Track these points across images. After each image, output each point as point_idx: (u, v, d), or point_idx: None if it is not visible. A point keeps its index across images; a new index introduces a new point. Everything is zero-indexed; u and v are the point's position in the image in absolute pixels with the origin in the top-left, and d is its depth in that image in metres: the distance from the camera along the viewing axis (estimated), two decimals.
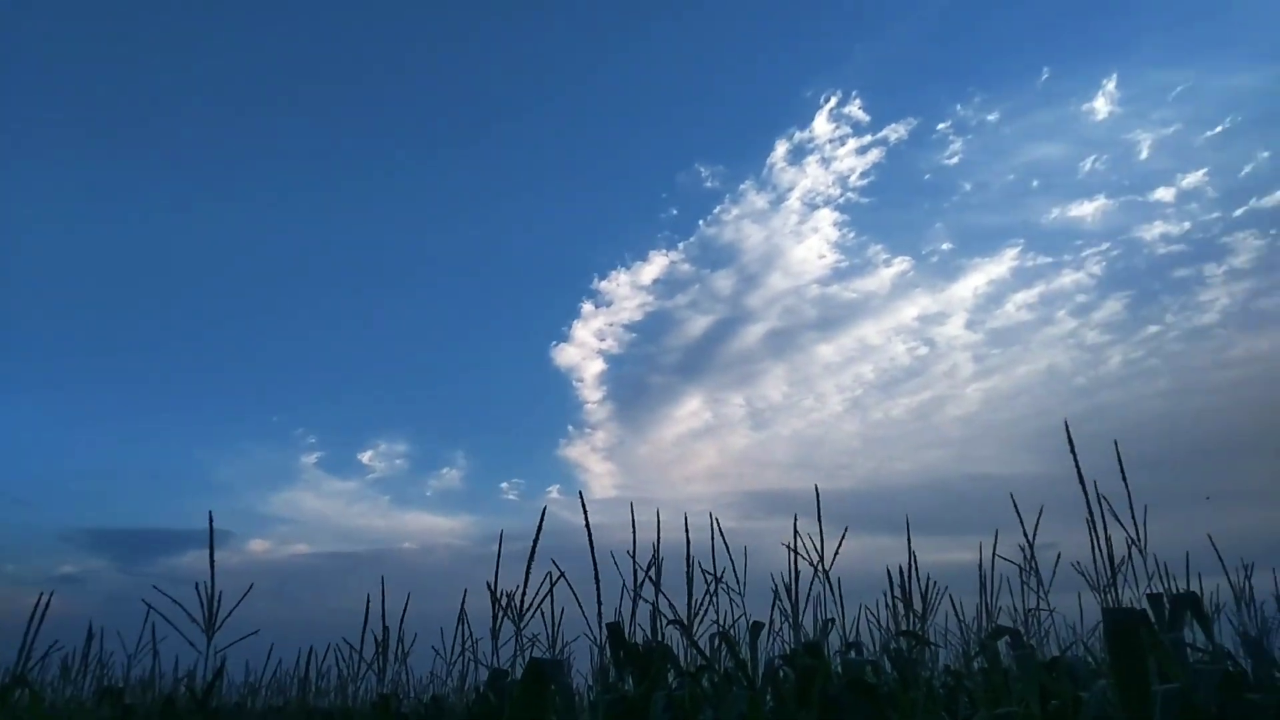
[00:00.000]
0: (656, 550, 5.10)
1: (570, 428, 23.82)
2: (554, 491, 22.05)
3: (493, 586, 4.86)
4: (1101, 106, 20.49)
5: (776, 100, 24.47)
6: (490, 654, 5.11)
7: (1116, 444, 4.42)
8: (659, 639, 5.03)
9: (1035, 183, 21.82)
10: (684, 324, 23.87)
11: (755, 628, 5.36)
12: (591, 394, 23.63)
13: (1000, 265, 21.65)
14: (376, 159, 25.17)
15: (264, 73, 23.74)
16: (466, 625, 5.98)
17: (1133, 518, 4.45)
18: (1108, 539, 4.31)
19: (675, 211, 24.07)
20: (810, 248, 22.66)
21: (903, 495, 20.28)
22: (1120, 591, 4.44)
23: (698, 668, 5.10)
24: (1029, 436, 19.94)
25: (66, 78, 22.33)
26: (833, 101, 21.96)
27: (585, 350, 23.56)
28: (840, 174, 21.90)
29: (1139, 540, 4.47)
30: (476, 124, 25.11)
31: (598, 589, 4.74)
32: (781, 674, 5.17)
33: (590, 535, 4.68)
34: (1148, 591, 4.60)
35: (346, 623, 6.55)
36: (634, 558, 5.03)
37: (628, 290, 23.43)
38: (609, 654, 4.96)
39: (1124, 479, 4.38)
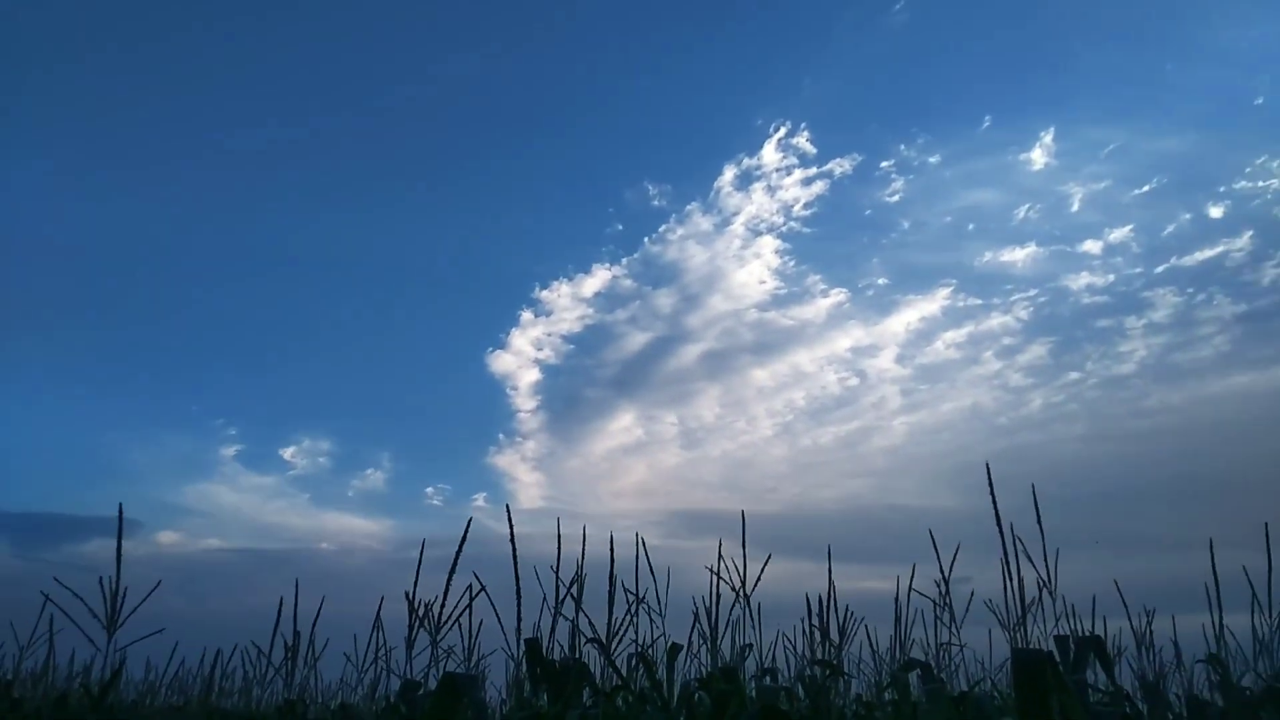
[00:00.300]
0: (580, 567, 5.09)
1: (501, 436, 23.61)
2: (480, 499, 21.81)
3: (411, 596, 4.78)
4: (1038, 157, 21.22)
5: (728, 126, 24.78)
6: (404, 664, 5.03)
7: (1034, 488, 4.56)
8: (577, 657, 5.00)
9: (971, 226, 22.46)
10: (622, 339, 23.89)
11: (673, 649, 5.37)
12: (525, 403, 23.47)
13: (932, 303, 22.19)
14: (319, 151, 24.73)
15: (209, 62, 23.17)
16: (381, 633, 5.87)
17: (1045, 559, 4.58)
18: (1020, 580, 4.43)
19: (621, 227, 24.13)
20: (751, 273, 22.93)
21: (826, 522, 20.60)
22: (1029, 630, 4.56)
23: (614, 688, 5.09)
24: (950, 471, 20.44)
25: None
26: (782, 131, 22.31)
27: (521, 359, 23.41)
28: (785, 203, 22.23)
29: (1049, 582, 4.60)
30: (426, 123, 24.86)
31: (518, 605, 4.70)
32: (697, 698, 5.19)
33: (515, 551, 4.64)
34: (1055, 633, 4.73)
35: (256, 623, 6.37)
36: (557, 573, 5.01)
37: (568, 301, 23.37)
38: (525, 669, 4.91)
39: (1039, 522, 4.51)
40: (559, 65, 24.49)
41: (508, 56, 24.20)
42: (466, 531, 4.57)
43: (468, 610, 4.89)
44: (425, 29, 23.83)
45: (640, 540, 5.23)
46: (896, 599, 5.65)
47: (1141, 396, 20.30)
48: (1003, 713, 4.73)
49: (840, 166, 22.12)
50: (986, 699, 5.19)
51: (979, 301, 21.86)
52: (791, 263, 22.71)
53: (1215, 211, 19.76)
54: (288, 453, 22.89)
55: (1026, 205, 21.34)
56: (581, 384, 24.44)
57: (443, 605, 4.79)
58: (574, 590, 5.02)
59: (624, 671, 5.23)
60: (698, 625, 5.53)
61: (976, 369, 21.87)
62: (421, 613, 4.87)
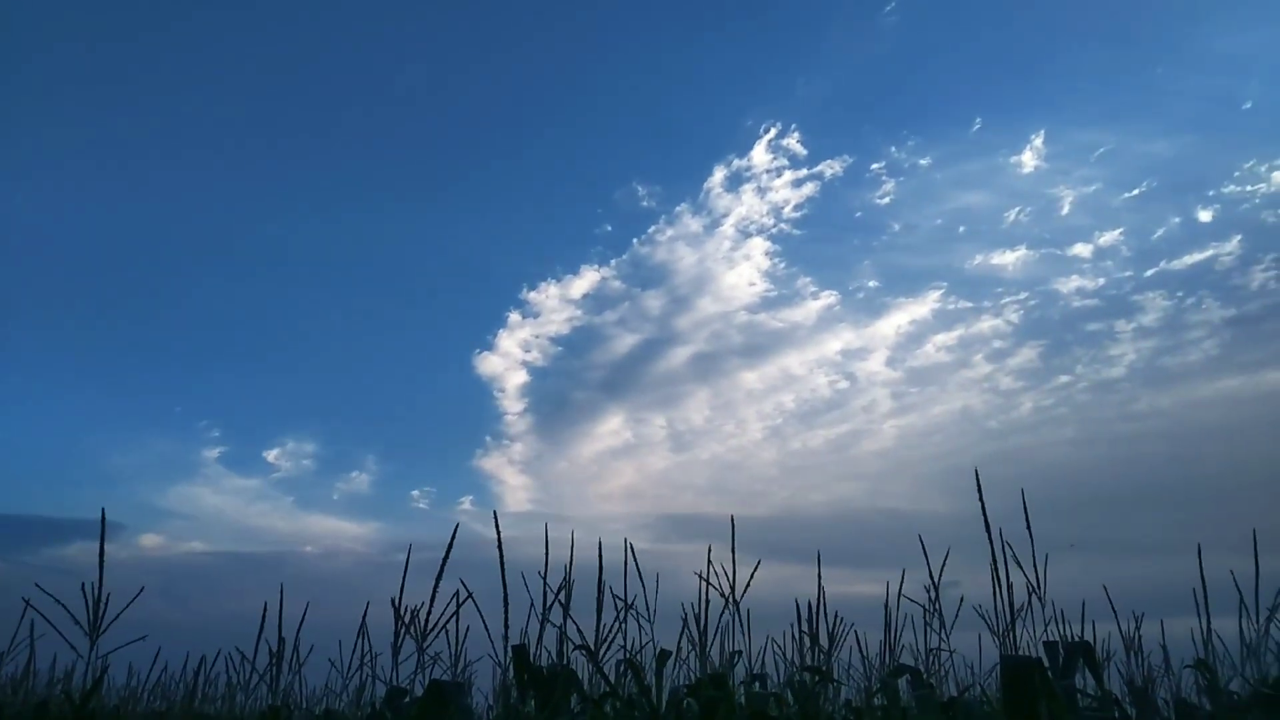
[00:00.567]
0: (568, 574, 5.05)
1: (488, 438, 23.50)
2: (466, 502, 21.72)
3: (397, 603, 4.73)
4: (1028, 160, 21.29)
5: (718, 127, 24.74)
6: (390, 670, 4.98)
7: (1023, 494, 4.55)
8: (565, 663, 4.97)
9: (961, 228, 22.51)
10: (611, 341, 23.83)
11: (662, 656, 5.34)
12: (512, 405, 23.37)
13: (923, 306, 22.23)
14: (305, 154, 24.59)
15: (194, 64, 23.03)
16: (367, 639, 5.81)
17: (1034, 564, 4.58)
18: (1009, 586, 4.42)
19: (610, 228, 24.07)
20: (741, 275, 22.91)
21: (816, 525, 20.60)
22: (1019, 635, 4.55)
23: (602, 694, 5.05)
24: (940, 475, 20.45)
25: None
26: (772, 133, 22.30)
27: (509, 360, 23.31)
28: (775, 204, 22.22)
29: (1039, 588, 4.59)
30: (413, 125, 24.78)
31: (506, 613, 4.66)
32: (685, 704, 5.16)
33: (502, 559, 4.60)
34: (1044, 639, 4.73)
35: (240, 626, 6.30)
36: (545, 579, 4.97)
37: (556, 303, 23.29)
38: (513, 676, 4.87)
39: (1028, 528, 4.50)
40: (548, 66, 24.44)
41: (496, 58, 24.14)
42: (453, 540, 4.53)
43: (454, 617, 4.84)
44: (412, 31, 23.74)
45: (629, 547, 5.20)
46: (886, 604, 5.64)
47: (1131, 400, 20.39)
48: (992, 718, 4.71)
49: (831, 168, 22.14)
50: (976, 704, 5.18)
51: (969, 304, 21.92)
52: (781, 265, 22.72)
53: (1204, 215, 19.88)
54: (271, 455, 22.72)
55: (1017, 208, 21.42)
56: (569, 386, 24.38)
57: (429, 612, 4.74)
58: (562, 597, 4.99)
59: (612, 678, 5.19)
60: (686, 631, 5.50)
61: (967, 372, 21.93)
62: (408, 619, 4.82)
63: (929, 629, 5.44)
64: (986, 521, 4.26)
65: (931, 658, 5.57)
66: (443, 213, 25.22)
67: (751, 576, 5.30)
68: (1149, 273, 20.15)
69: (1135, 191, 20.59)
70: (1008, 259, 21.57)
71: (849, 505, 21.80)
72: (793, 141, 22.15)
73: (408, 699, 5.00)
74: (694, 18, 23.34)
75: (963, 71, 22.91)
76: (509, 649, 4.79)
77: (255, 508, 22.75)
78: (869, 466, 22.79)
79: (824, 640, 5.49)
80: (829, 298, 22.64)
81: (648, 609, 5.34)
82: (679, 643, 5.55)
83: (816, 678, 5.42)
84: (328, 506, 23.17)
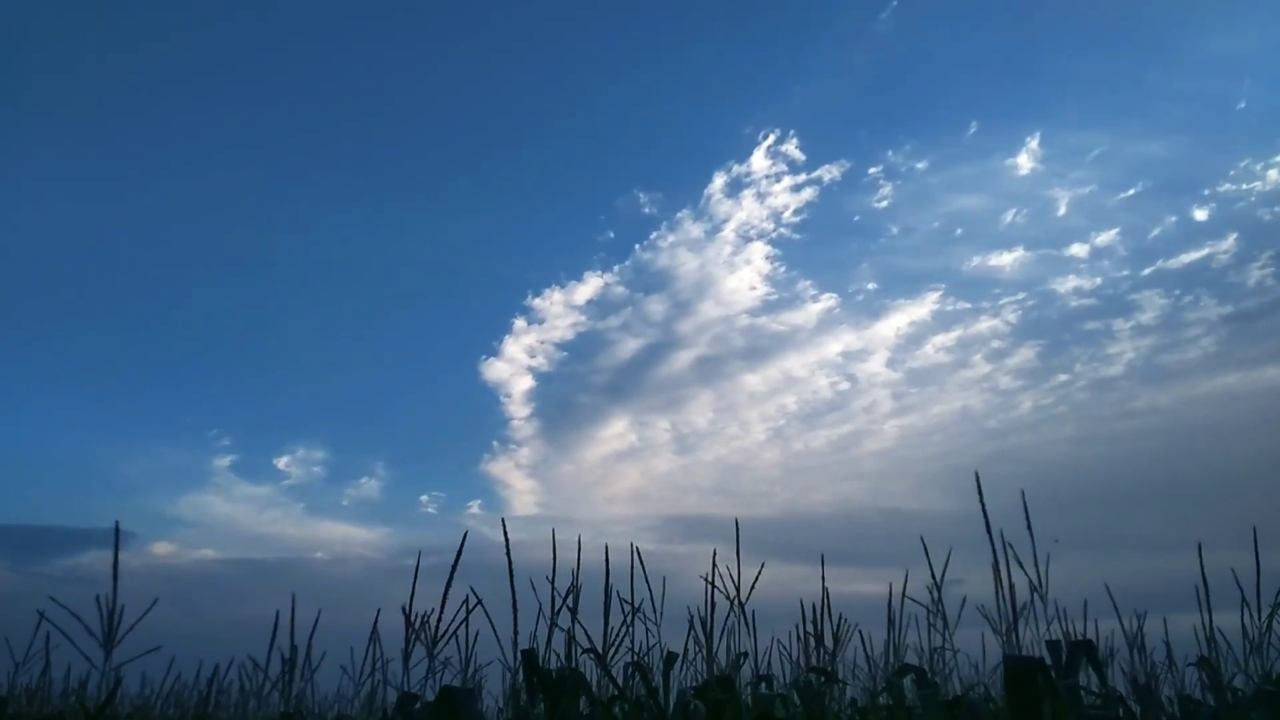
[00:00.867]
0: (575, 577, 5.10)
1: (495, 443, 23.66)
2: (474, 507, 21.87)
3: (408, 611, 4.80)
4: (1024, 163, 21.42)
5: (717, 134, 24.91)
6: (401, 676, 5.04)
7: (1024, 494, 4.60)
8: (573, 666, 5.02)
9: (959, 231, 22.63)
10: (615, 345, 23.96)
11: (669, 658, 5.40)
12: (519, 410, 23.52)
13: (922, 308, 22.35)
14: (312, 161, 24.72)
15: (200, 71, 23.13)
16: (378, 645, 5.87)
17: (1035, 563, 4.63)
18: (1011, 585, 4.48)
19: (612, 234, 24.22)
20: (742, 279, 23.05)
21: (819, 525, 20.68)
22: (1021, 633, 4.60)
23: (610, 697, 5.11)
24: (941, 474, 20.53)
25: None
26: (771, 139, 22.45)
27: (515, 366, 23.46)
28: (774, 209, 22.36)
29: (1040, 586, 4.65)
30: (418, 133, 24.85)
31: (515, 617, 4.72)
32: (692, 706, 5.21)
33: (510, 565, 4.66)
34: (1047, 638, 4.77)
35: (252, 633, 6.36)
36: (553, 583, 5.02)
37: (561, 309, 23.44)
38: (522, 680, 4.93)
39: (1029, 527, 4.55)
40: (550, 76, 24.57)
41: (499, 65, 24.25)
42: (462, 547, 4.59)
43: (464, 623, 4.91)
44: (416, 38, 23.85)
45: (635, 550, 5.26)
46: (889, 604, 5.69)
47: (1130, 398, 20.45)
48: (996, 718, 4.77)
49: (829, 173, 22.28)
50: (980, 703, 5.24)
51: (968, 305, 22.02)
52: (782, 268, 22.84)
53: (1200, 214, 19.96)
54: (281, 462, 22.88)
55: (1013, 210, 21.55)
56: (574, 390, 24.50)
57: (439, 618, 4.81)
58: (569, 601, 5.05)
59: (620, 681, 5.25)
60: (693, 633, 5.56)
61: (966, 372, 22.01)
62: (418, 625, 4.89)
63: (932, 628, 5.49)
64: (988, 524, 4.32)
65: (935, 657, 5.62)
66: (449, 222, 25.39)
67: (756, 579, 5.36)
68: (1146, 272, 20.25)
69: (1131, 192, 20.71)
70: (1005, 260, 21.68)
71: (851, 505, 21.88)
72: (791, 147, 22.31)
73: (419, 704, 5.07)
74: (692, 27, 23.53)
75: (958, 76, 23.09)
76: (518, 653, 4.85)
77: (266, 515, 22.91)
78: (870, 466, 22.89)
79: (829, 641, 5.55)
80: (829, 300, 22.77)
81: (654, 611, 5.39)
82: (685, 644, 5.61)
83: (822, 678, 5.47)
84: (338, 513, 23.33)
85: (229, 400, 24.70)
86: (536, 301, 23.57)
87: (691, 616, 5.54)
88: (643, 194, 23.44)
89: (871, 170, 22.29)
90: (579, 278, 23.63)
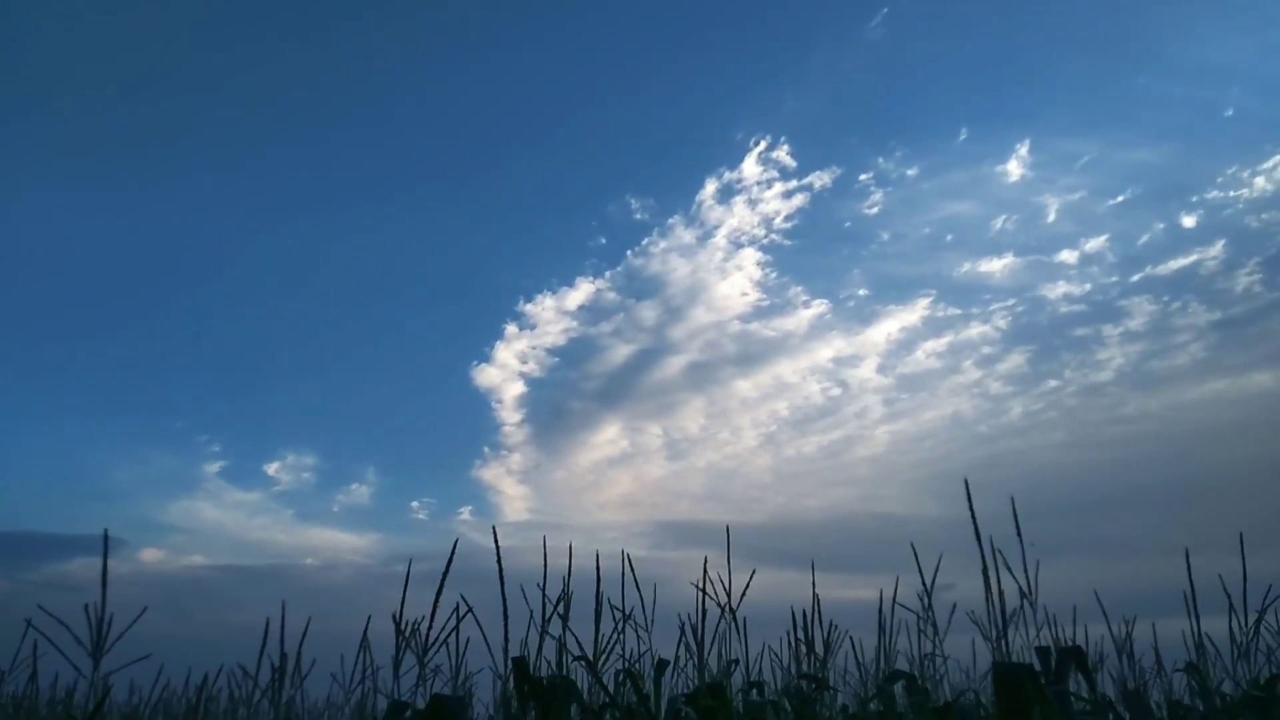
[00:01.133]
0: (567, 584, 5.10)
1: (486, 449, 23.59)
2: (465, 513, 21.80)
3: (398, 619, 4.78)
4: (1014, 169, 21.51)
5: (709, 140, 24.95)
6: (391, 683, 5.02)
7: (1013, 500, 4.62)
8: (564, 674, 5.02)
9: (949, 237, 22.72)
10: (606, 351, 23.94)
11: (660, 665, 5.39)
12: (510, 416, 23.47)
13: (912, 314, 22.41)
14: (301, 167, 24.66)
15: (193, 81, 23.07)
16: (368, 653, 5.85)
17: (1025, 569, 4.64)
18: (1000, 592, 4.49)
19: (604, 240, 24.23)
20: (733, 285, 23.09)
21: (811, 531, 20.69)
22: (1011, 639, 4.62)
23: (601, 704, 5.11)
24: (932, 479, 20.57)
25: None
26: (762, 145, 22.50)
27: (506, 372, 23.42)
28: (766, 215, 22.41)
29: (1030, 593, 4.66)
30: (408, 139, 24.84)
31: (505, 624, 4.71)
32: (684, 713, 5.21)
33: (501, 573, 4.65)
34: (1036, 644, 4.79)
35: (242, 638, 6.33)
36: (544, 590, 5.02)
37: (552, 314, 23.41)
38: (513, 687, 4.92)
39: (1019, 534, 4.57)
40: (541, 80, 24.57)
41: (490, 72, 24.24)
42: (452, 555, 4.58)
43: (455, 631, 4.90)
44: (407, 45, 23.84)
45: (626, 557, 5.26)
46: (880, 609, 5.70)
47: (1119, 404, 20.54)
48: None
49: (820, 179, 22.33)
50: (971, 709, 5.25)
51: (958, 311, 22.10)
52: (773, 274, 22.88)
53: (1188, 221, 20.07)
54: (272, 468, 22.78)
55: (1003, 216, 21.65)
56: (566, 396, 24.46)
57: (430, 625, 4.80)
58: (561, 608, 5.04)
59: (611, 688, 5.25)
60: (684, 640, 5.56)
61: (957, 378, 22.08)
62: (408, 633, 4.87)
63: (923, 635, 5.50)
64: (977, 531, 4.34)
65: (926, 663, 5.63)
66: (439, 227, 25.35)
67: (747, 585, 5.37)
68: (1135, 278, 20.36)
69: (1119, 198, 20.84)
70: (995, 266, 21.78)
71: (843, 510, 21.92)
72: (782, 154, 22.36)
73: (409, 712, 5.05)
74: (684, 34, 23.56)
75: (948, 83, 23.18)
76: (509, 660, 4.84)
77: (256, 521, 22.79)
78: (862, 472, 22.93)
79: (819, 647, 5.56)
80: (820, 306, 22.82)
81: (645, 618, 5.39)
82: (677, 651, 5.61)
83: (813, 685, 5.48)
84: (328, 519, 23.22)
85: (219, 406, 24.59)
86: (528, 307, 23.56)
87: (683, 623, 5.55)
88: (634, 200, 23.47)
89: (862, 177, 22.38)
90: (571, 283, 23.63)
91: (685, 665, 5.60)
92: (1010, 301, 21.48)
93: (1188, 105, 20.89)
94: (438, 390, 25.93)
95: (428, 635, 4.81)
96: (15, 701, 7.40)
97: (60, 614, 4.98)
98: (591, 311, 23.48)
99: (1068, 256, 21.05)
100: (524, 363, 23.28)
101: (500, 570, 4.66)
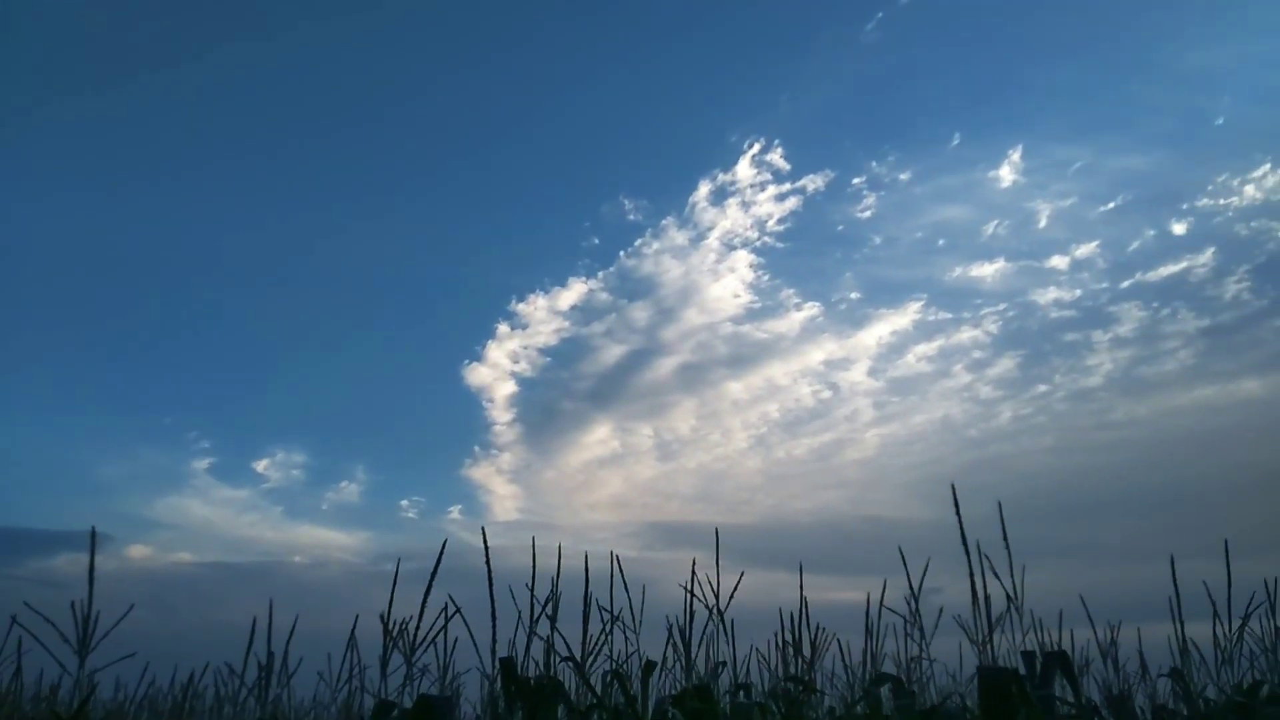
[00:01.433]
0: (555, 585, 5.11)
1: (476, 448, 23.55)
2: (455, 512, 21.77)
3: (386, 618, 4.78)
4: (1006, 175, 21.60)
5: (703, 142, 25.00)
6: (378, 682, 5.02)
7: (1000, 506, 4.64)
8: (551, 675, 5.02)
9: (941, 241, 22.79)
10: (598, 352, 23.93)
11: (648, 667, 5.40)
12: (501, 415, 23.43)
13: (904, 317, 22.48)
14: (293, 165, 24.59)
15: (182, 77, 22.99)
16: (356, 652, 5.84)
17: (1011, 574, 4.67)
18: (987, 597, 4.51)
19: (597, 241, 24.22)
20: (726, 286, 23.12)
21: (800, 533, 20.74)
22: (997, 643, 4.64)
23: (588, 705, 5.11)
24: (921, 483, 20.64)
25: None
26: (756, 148, 22.54)
27: (498, 371, 23.38)
28: (759, 218, 22.44)
29: (1016, 598, 4.69)
30: (402, 138, 24.80)
31: (494, 625, 4.72)
32: (670, 715, 5.22)
33: (490, 575, 4.66)
34: (1022, 648, 4.81)
35: (229, 635, 6.31)
36: (532, 591, 5.02)
37: (545, 314, 23.40)
38: (500, 688, 4.93)
39: (1005, 540, 4.59)
40: (534, 81, 24.56)
41: (483, 71, 24.21)
42: (440, 555, 4.58)
43: (443, 630, 4.90)
44: (402, 44, 23.80)
45: (615, 559, 5.27)
46: (868, 613, 5.72)
47: (1108, 409, 20.63)
48: None
49: (813, 183, 22.39)
50: (957, 712, 5.27)
51: (949, 315, 22.17)
52: (765, 277, 22.92)
53: (1179, 228, 20.18)
54: (261, 465, 22.68)
55: (995, 221, 21.74)
56: (557, 396, 24.45)
57: (418, 625, 4.79)
58: (549, 609, 5.05)
59: (598, 689, 5.25)
60: (672, 641, 5.56)
61: (947, 382, 22.15)
62: (396, 632, 4.87)
63: (909, 638, 5.52)
64: (963, 535, 4.36)
65: (913, 666, 5.65)
66: (432, 226, 25.30)
67: (735, 588, 5.38)
68: (1125, 284, 20.46)
69: (1110, 205, 20.94)
70: (986, 271, 21.86)
71: (832, 513, 21.97)
72: (776, 156, 22.41)
73: (396, 712, 5.05)
74: (679, 36, 23.58)
75: (942, 88, 23.28)
76: (496, 661, 4.85)
77: (244, 518, 22.69)
78: (852, 475, 22.98)
79: (806, 650, 5.57)
80: (812, 309, 22.87)
81: (634, 619, 5.40)
82: (664, 653, 5.62)
83: (800, 687, 5.49)
84: (317, 517, 23.14)
85: (208, 402, 24.48)
86: (520, 307, 23.55)
87: (670, 625, 5.56)
88: (628, 201, 23.48)
89: (855, 180, 22.45)
90: (563, 283, 23.61)
91: (673, 667, 5.61)
92: (1001, 306, 21.59)
93: (1179, 113, 21.03)
94: (429, 389, 25.90)
95: (415, 634, 4.81)
96: (0, 696, 7.36)
97: (46, 610, 4.97)
98: (584, 311, 23.50)
99: (1059, 262, 21.16)
100: (515, 362, 23.27)
101: (489, 571, 4.66)
